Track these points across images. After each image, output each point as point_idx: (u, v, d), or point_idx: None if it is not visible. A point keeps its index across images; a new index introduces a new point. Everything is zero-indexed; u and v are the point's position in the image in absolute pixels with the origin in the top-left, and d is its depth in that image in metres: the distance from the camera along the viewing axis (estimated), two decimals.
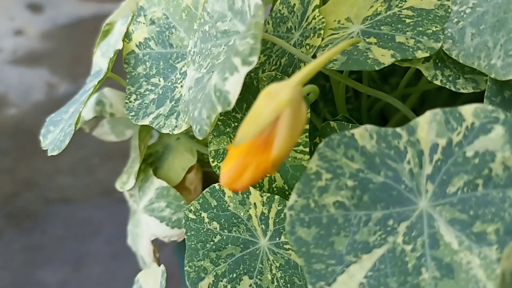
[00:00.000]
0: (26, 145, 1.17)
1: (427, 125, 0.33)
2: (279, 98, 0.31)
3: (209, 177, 0.57)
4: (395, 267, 0.32)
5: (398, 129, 0.34)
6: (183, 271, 0.56)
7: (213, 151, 0.44)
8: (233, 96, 0.34)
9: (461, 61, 0.37)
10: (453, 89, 0.38)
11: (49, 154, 0.46)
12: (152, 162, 0.55)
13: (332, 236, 0.34)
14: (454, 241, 0.31)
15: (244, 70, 0.34)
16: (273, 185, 0.42)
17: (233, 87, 0.34)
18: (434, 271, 0.31)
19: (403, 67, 0.49)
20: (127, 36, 0.47)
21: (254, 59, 0.33)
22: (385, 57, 0.38)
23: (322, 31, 0.41)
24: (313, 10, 0.42)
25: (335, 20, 0.42)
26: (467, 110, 0.32)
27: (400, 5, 0.40)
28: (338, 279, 0.33)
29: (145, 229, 0.51)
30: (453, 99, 0.52)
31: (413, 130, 0.33)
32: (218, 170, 0.44)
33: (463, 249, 0.31)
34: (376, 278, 0.32)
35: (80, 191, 1.10)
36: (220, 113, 0.42)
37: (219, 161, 0.44)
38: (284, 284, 0.40)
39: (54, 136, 0.46)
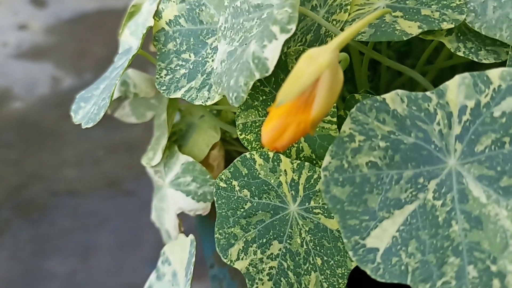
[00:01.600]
0: (32, 138, 1.19)
1: (456, 88, 0.35)
2: (319, 61, 0.33)
3: (230, 155, 0.59)
4: (426, 221, 0.34)
5: (428, 93, 0.36)
6: (206, 245, 0.58)
7: (241, 124, 0.46)
8: (271, 63, 0.36)
9: (483, 33, 0.40)
10: (476, 60, 0.40)
11: (83, 127, 0.48)
12: (176, 140, 0.57)
13: (365, 194, 0.36)
14: (482, 195, 0.33)
15: (282, 37, 0.36)
16: (301, 155, 0.44)
17: (272, 53, 0.36)
18: (464, 223, 0.34)
19: (420, 48, 0.51)
20: (156, 15, 0.49)
21: (293, 27, 0.36)
22: (412, 28, 0.40)
23: (348, 7, 0.43)
24: None
25: None
26: (494, 74, 0.34)
27: None
28: (372, 233, 0.35)
29: (171, 203, 0.53)
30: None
31: (442, 93, 0.36)
32: (246, 142, 0.46)
33: (491, 202, 0.33)
34: (408, 232, 0.35)
35: (86, 183, 1.11)
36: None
37: (247, 134, 0.46)
38: (313, 246, 0.42)
39: (86, 111, 0.48)
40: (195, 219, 0.62)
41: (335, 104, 0.43)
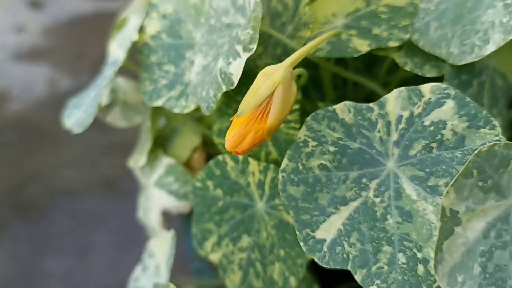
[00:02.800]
0: (30, 139, 1.24)
1: (394, 100, 0.42)
2: (274, 77, 0.41)
3: (211, 157, 0.66)
4: (366, 215, 0.41)
5: (371, 104, 0.43)
6: (188, 241, 0.65)
7: (217, 130, 0.53)
8: (236, 77, 0.43)
9: (426, 50, 0.47)
10: (420, 74, 0.47)
11: (74, 133, 0.55)
12: (161, 143, 0.64)
13: (316, 193, 0.43)
14: (413, 193, 0.40)
15: (245, 56, 0.43)
16: (269, 157, 0.51)
17: (236, 69, 0.43)
18: (397, 217, 0.41)
19: (384, 58, 0.58)
20: (141, 30, 0.56)
21: (254, 46, 0.43)
22: (362, 46, 0.47)
23: (311, 25, 0.50)
24: (304, 7, 0.52)
25: (322, 16, 0.52)
26: (426, 88, 0.41)
27: (377, 2, 0.49)
28: (321, 226, 0.42)
29: (156, 201, 0.61)
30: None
31: (382, 105, 0.43)
32: (221, 146, 0.53)
33: (420, 199, 0.40)
34: (351, 225, 0.42)
35: (83, 183, 1.16)
36: (223, 95, 0.51)
37: (222, 139, 0.53)
38: (277, 240, 0.49)
39: (77, 117, 0.56)
40: (179, 217, 0.70)
41: (298, 113, 0.50)
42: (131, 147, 1.20)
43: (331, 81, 0.60)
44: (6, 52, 1.43)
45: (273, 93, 0.40)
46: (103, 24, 1.50)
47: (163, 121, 0.69)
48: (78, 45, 1.47)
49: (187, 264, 0.69)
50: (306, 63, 0.56)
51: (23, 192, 1.15)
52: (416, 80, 0.52)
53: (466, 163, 0.36)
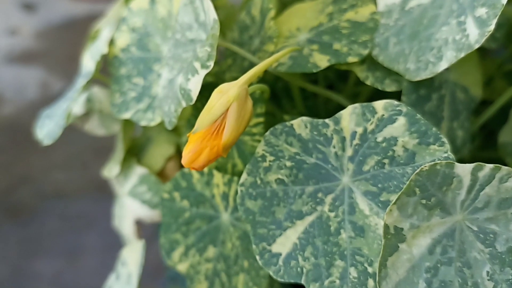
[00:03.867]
0: (22, 142, 1.24)
1: (349, 116, 0.43)
2: (228, 95, 0.41)
3: None
4: (321, 230, 0.42)
5: (326, 120, 0.44)
6: None
7: (185, 141, 0.54)
8: (194, 93, 0.44)
9: (385, 65, 0.47)
10: (380, 88, 0.48)
11: (44, 144, 0.56)
12: (136, 153, 0.65)
13: (273, 207, 0.44)
14: (366, 208, 0.41)
15: (203, 72, 0.44)
16: (235, 169, 0.52)
17: (194, 86, 0.44)
18: (350, 232, 0.41)
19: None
20: (112, 42, 0.57)
21: (211, 64, 0.44)
22: (322, 62, 0.48)
23: (275, 39, 0.51)
24: (269, 21, 0.52)
25: (287, 30, 0.52)
26: (379, 105, 0.42)
27: (339, 18, 0.50)
28: (277, 240, 0.43)
29: (129, 210, 0.62)
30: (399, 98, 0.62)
31: (338, 121, 0.43)
32: None
33: (372, 214, 0.41)
34: (306, 239, 0.43)
35: (74, 186, 1.17)
36: (192, 107, 0.52)
37: None
38: (241, 251, 0.50)
39: (49, 128, 0.57)
40: (154, 225, 0.71)
41: (262, 126, 0.51)
42: None
43: (301, 92, 0.60)
44: None
45: (227, 110, 0.41)
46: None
47: (141, 129, 0.70)
48: (70, 48, 1.47)
49: (161, 271, 0.70)
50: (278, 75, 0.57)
51: (13, 195, 1.16)
52: (384, 92, 0.53)
53: (408, 182, 0.37)
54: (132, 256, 0.59)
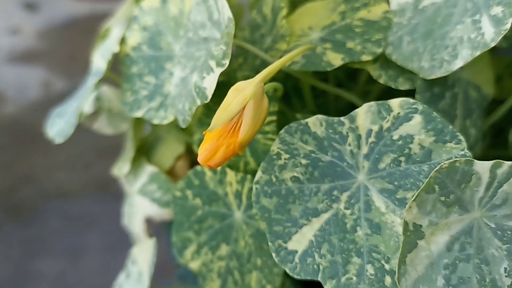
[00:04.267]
0: (24, 141, 1.25)
1: (364, 114, 0.43)
2: (245, 93, 0.42)
3: (195, 164, 0.67)
4: (337, 227, 0.42)
5: (342, 118, 0.44)
6: (171, 246, 0.66)
7: (197, 140, 0.54)
8: (210, 92, 0.44)
9: (398, 64, 0.47)
10: (393, 87, 0.48)
11: (56, 142, 0.56)
12: (145, 151, 0.65)
13: (289, 204, 0.44)
14: (382, 205, 0.41)
15: (218, 70, 0.44)
16: (247, 168, 0.52)
17: (209, 84, 0.44)
18: (366, 229, 0.42)
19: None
20: (123, 41, 0.57)
21: (226, 62, 0.44)
22: (336, 60, 0.48)
23: (287, 38, 0.51)
24: (281, 20, 0.53)
25: (299, 29, 0.53)
26: (395, 103, 0.42)
27: (352, 16, 0.50)
28: (293, 237, 0.43)
29: (139, 209, 0.62)
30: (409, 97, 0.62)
31: (353, 119, 0.44)
32: None
33: (389, 212, 0.41)
34: (322, 236, 0.43)
35: (77, 186, 1.17)
36: (203, 106, 0.52)
37: None
38: (254, 249, 0.50)
39: (59, 127, 0.57)
40: (163, 224, 0.71)
41: (275, 124, 0.51)
42: None
43: (312, 91, 0.61)
44: (0, 55, 1.43)
45: (244, 108, 0.41)
46: (97, 26, 1.50)
47: (149, 128, 0.70)
48: (72, 48, 1.47)
49: (171, 269, 0.70)
50: (288, 73, 0.57)
51: (15, 194, 1.16)
52: (395, 90, 0.53)
53: (428, 179, 0.37)
54: (142, 255, 0.59)
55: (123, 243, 1.08)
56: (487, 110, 0.56)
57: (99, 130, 0.71)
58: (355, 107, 0.63)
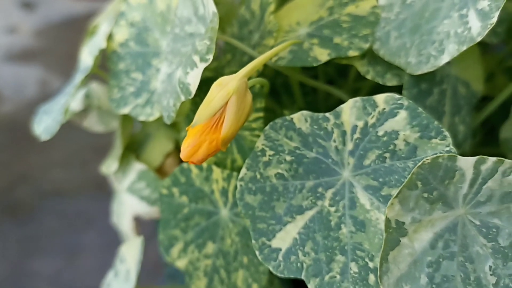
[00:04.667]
0: (21, 140, 1.25)
1: (349, 110, 0.42)
2: (228, 88, 0.41)
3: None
4: (321, 225, 0.42)
5: (327, 114, 0.43)
6: None
7: (184, 137, 0.54)
8: (193, 87, 0.44)
9: (386, 59, 0.47)
10: (381, 83, 0.48)
11: (42, 140, 0.55)
12: (135, 149, 0.65)
13: (273, 201, 0.43)
14: (367, 202, 0.41)
15: (202, 66, 0.43)
16: (234, 165, 0.52)
17: (193, 79, 0.44)
18: (351, 227, 0.41)
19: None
20: (110, 37, 0.56)
21: (210, 57, 0.43)
22: (322, 55, 0.47)
23: (275, 33, 0.51)
24: (269, 16, 0.52)
25: (287, 24, 0.52)
26: (380, 98, 0.42)
27: (340, 11, 0.50)
28: (277, 235, 0.43)
29: (128, 207, 0.61)
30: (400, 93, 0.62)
31: (338, 115, 0.43)
32: None
33: (373, 209, 0.40)
34: (306, 234, 0.42)
35: (73, 185, 1.17)
36: (191, 103, 0.52)
37: None
38: (240, 247, 0.50)
39: (46, 124, 0.56)
40: (152, 222, 0.70)
41: (262, 121, 0.50)
42: None
43: (302, 87, 0.60)
44: None
45: (226, 103, 0.41)
46: None
47: (139, 126, 0.69)
48: (69, 46, 1.47)
49: (160, 268, 0.70)
50: (278, 70, 0.56)
51: (12, 193, 1.16)
52: (385, 87, 0.52)
53: (410, 175, 0.36)
54: (130, 253, 0.58)
55: (119, 242, 1.08)
56: (477, 107, 0.55)
57: (89, 128, 0.71)
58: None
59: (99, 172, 1.20)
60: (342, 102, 0.62)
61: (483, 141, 0.60)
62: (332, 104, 0.62)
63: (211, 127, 0.41)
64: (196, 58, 0.44)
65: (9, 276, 1.04)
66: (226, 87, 0.41)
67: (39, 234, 1.10)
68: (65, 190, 1.17)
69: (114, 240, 1.08)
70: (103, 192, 1.15)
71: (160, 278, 0.83)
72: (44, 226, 1.11)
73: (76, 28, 1.52)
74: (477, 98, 0.52)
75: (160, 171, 0.63)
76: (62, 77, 1.37)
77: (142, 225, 0.65)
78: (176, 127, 0.64)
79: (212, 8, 0.44)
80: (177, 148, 0.65)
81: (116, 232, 1.09)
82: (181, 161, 0.65)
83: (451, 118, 0.49)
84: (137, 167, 0.61)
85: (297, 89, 0.57)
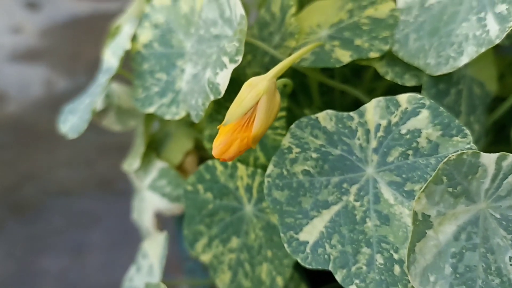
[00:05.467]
0: (26, 140, 1.26)
1: (373, 109, 0.45)
2: (258, 88, 0.43)
3: (204, 160, 0.68)
4: (347, 218, 0.44)
5: (351, 113, 0.46)
6: (181, 242, 0.68)
7: (207, 135, 0.56)
8: (223, 87, 0.46)
9: (405, 61, 0.49)
10: (400, 83, 0.50)
11: (69, 138, 0.57)
12: (154, 147, 0.67)
13: (300, 197, 0.46)
14: (391, 197, 0.43)
15: (231, 67, 0.46)
16: (257, 162, 0.54)
17: (223, 80, 0.46)
18: (376, 220, 0.43)
19: (369, 66, 0.61)
20: (134, 38, 0.59)
21: (239, 58, 0.45)
22: (344, 57, 0.50)
23: (296, 35, 0.53)
24: (290, 18, 0.54)
25: (308, 26, 0.54)
26: (402, 98, 0.44)
27: (359, 14, 0.52)
28: (304, 229, 0.45)
29: (149, 203, 0.63)
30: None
31: (362, 114, 0.45)
32: (211, 151, 0.56)
33: (397, 203, 0.43)
34: (332, 227, 0.44)
35: (79, 183, 1.19)
36: (213, 102, 0.54)
37: (212, 144, 0.55)
38: (264, 241, 0.52)
39: (72, 123, 0.58)
40: (172, 218, 0.72)
41: (284, 120, 0.52)
42: (126, 147, 1.22)
43: (318, 88, 0.62)
44: (2, 53, 1.45)
45: (257, 103, 0.43)
46: (99, 25, 1.51)
47: (156, 125, 0.72)
48: (74, 46, 1.48)
49: (179, 264, 0.72)
50: (295, 70, 0.59)
51: (18, 192, 1.17)
52: (400, 87, 0.55)
53: (436, 171, 0.39)
54: (153, 248, 0.60)
55: (125, 240, 1.09)
56: (490, 107, 0.58)
57: (107, 127, 0.73)
58: (359, 104, 0.64)
59: (105, 171, 1.22)
60: (357, 102, 0.65)
61: (494, 140, 0.63)
62: (347, 104, 0.65)
63: (242, 125, 0.43)
64: (225, 59, 0.46)
65: (15, 274, 1.05)
66: (256, 87, 0.43)
67: (45, 233, 1.11)
68: (70, 189, 1.18)
69: (120, 238, 1.10)
70: (109, 191, 1.17)
71: (174, 274, 0.85)
72: (50, 224, 1.13)
73: (80, 28, 1.53)
74: (491, 98, 0.55)
75: (180, 169, 0.65)
76: (66, 77, 1.39)
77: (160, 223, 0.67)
78: (195, 126, 0.67)
79: (240, 11, 0.47)
80: (196, 147, 0.67)
81: (122, 230, 1.11)
82: (200, 160, 0.68)
83: (467, 117, 0.52)
84: (159, 165, 0.63)
85: (316, 89, 0.59)
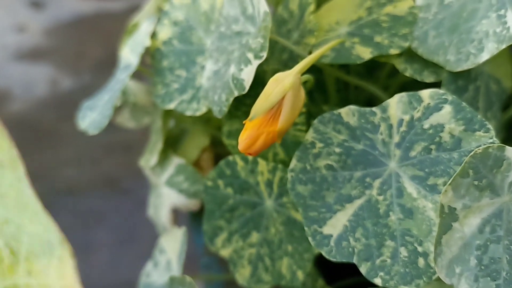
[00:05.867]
0: (31, 139, 1.26)
1: (396, 105, 0.46)
2: (284, 83, 0.44)
3: (220, 156, 0.69)
4: (370, 212, 0.45)
5: (374, 108, 0.47)
6: (197, 238, 0.69)
7: (226, 131, 0.57)
8: (247, 83, 0.47)
9: (424, 57, 0.50)
10: (419, 79, 0.51)
11: (90, 134, 0.58)
12: (171, 144, 0.68)
13: (323, 191, 0.47)
14: (414, 191, 0.44)
15: (256, 63, 0.47)
16: (277, 158, 0.55)
17: (247, 75, 0.47)
18: (399, 214, 0.44)
19: (385, 63, 0.62)
20: (153, 36, 0.59)
21: (264, 54, 0.46)
22: (365, 53, 0.51)
23: (316, 33, 0.54)
24: (309, 15, 0.55)
25: (327, 24, 0.55)
26: (425, 93, 0.45)
27: (378, 12, 0.53)
28: (328, 222, 0.46)
29: (166, 199, 0.64)
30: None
31: (385, 109, 0.46)
32: (230, 147, 0.56)
33: (420, 197, 0.44)
34: (356, 221, 0.45)
35: (84, 182, 1.19)
36: (234, 98, 0.55)
37: (231, 140, 0.56)
38: (285, 236, 0.53)
39: (92, 119, 0.59)
40: (187, 215, 0.73)
41: (304, 116, 0.53)
42: (132, 146, 1.23)
43: (334, 85, 0.63)
44: (7, 52, 1.45)
45: (283, 98, 0.44)
46: (104, 24, 1.52)
47: (172, 122, 0.72)
48: (79, 45, 1.49)
49: (194, 260, 0.72)
50: (311, 67, 0.59)
51: None
52: (414, 84, 0.56)
53: (463, 164, 0.39)
54: (171, 244, 0.61)
55: (131, 238, 1.10)
56: (505, 104, 0.59)
57: (121, 124, 0.73)
58: (373, 101, 0.65)
59: (110, 170, 1.22)
60: (372, 99, 0.66)
61: (507, 136, 0.64)
62: (363, 100, 0.65)
63: (268, 120, 0.44)
64: (250, 55, 0.47)
65: None
66: (282, 83, 0.44)
67: None
68: (76, 187, 1.19)
69: (126, 236, 1.11)
70: (115, 189, 1.17)
71: (187, 270, 0.86)
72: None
73: (85, 27, 1.53)
74: (507, 94, 0.56)
75: (196, 165, 0.66)
76: (71, 75, 1.39)
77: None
78: (212, 123, 0.67)
79: (263, 8, 0.48)
80: (213, 144, 0.68)
81: (128, 229, 1.12)
82: (217, 156, 0.69)
83: (484, 114, 0.53)
84: (176, 161, 0.63)
85: (333, 86, 0.60)
